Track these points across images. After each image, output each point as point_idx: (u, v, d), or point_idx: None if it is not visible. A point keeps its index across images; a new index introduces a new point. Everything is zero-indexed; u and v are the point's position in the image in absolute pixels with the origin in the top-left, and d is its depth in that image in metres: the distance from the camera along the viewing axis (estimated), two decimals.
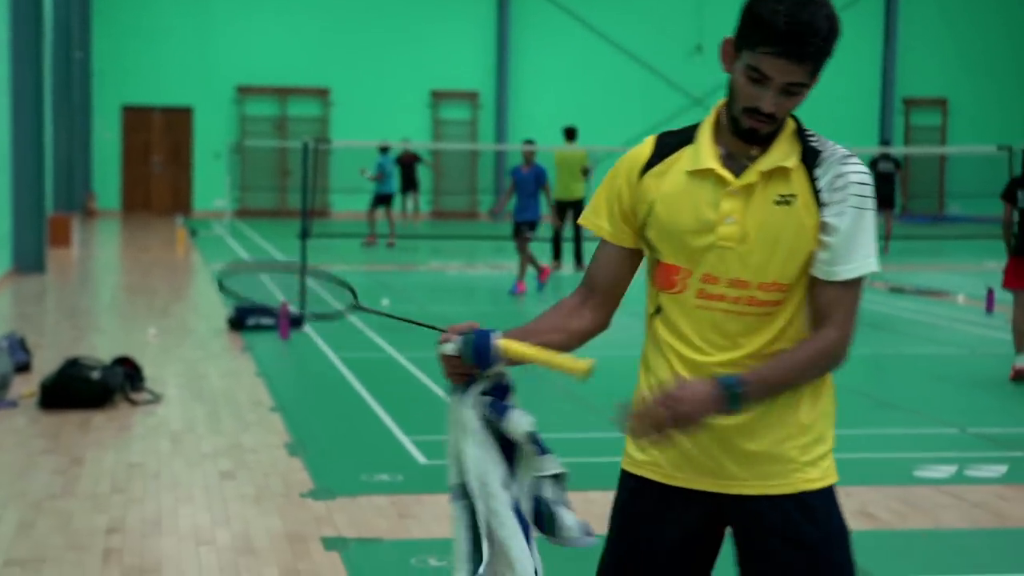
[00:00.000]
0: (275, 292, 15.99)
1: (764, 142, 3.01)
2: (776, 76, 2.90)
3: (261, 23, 33.30)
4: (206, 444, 8.46)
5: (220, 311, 14.58)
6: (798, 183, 3.00)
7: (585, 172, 20.26)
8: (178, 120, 33.76)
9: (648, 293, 3.19)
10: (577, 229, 20.08)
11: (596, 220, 3.18)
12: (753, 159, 3.01)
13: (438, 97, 34.15)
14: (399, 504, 7.08)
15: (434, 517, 6.85)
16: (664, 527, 3.12)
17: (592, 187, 28.00)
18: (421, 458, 8.17)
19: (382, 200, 24.62)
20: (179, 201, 33.89)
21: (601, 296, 3.21)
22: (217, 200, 31.95)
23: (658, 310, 3.15)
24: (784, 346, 3.02)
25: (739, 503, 3.07)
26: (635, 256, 3.20)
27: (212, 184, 32.99)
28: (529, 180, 17.21)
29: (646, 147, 3.15)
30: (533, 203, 17.17)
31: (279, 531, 6.57)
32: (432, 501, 7.14)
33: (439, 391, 10.29)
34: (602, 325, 3.26)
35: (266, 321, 13.13)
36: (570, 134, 20.73)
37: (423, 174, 30.60)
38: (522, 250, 17.14)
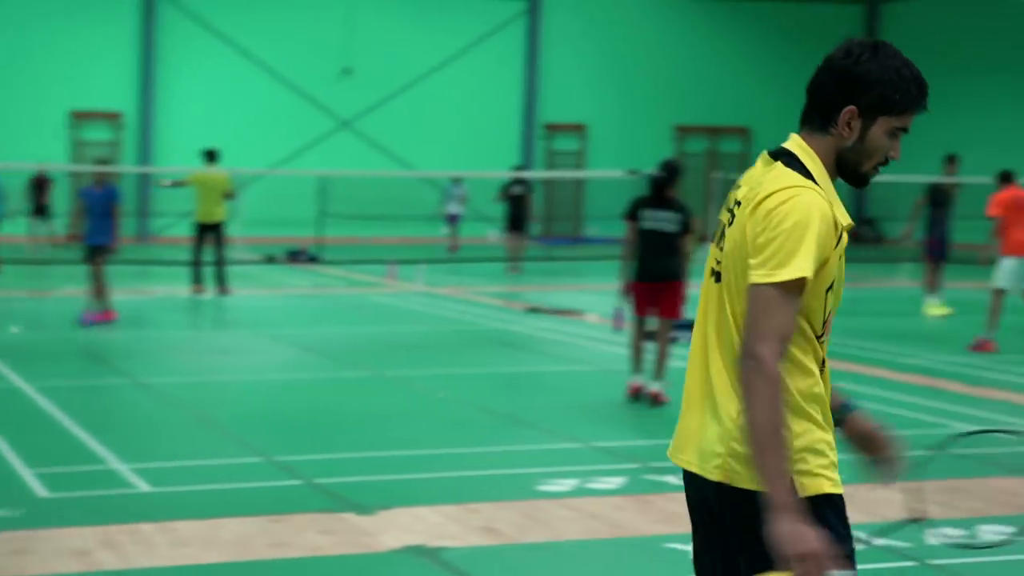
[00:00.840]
0: None
1: None
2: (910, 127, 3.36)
3: None
4: None
5: None
6: None
7: (228, 195, 19.97)
8: None
9: (797, 341, 3.28)
10: (219, 252, 19.78)
11: (807, 268, 3.20)
12: None
13: (78, 118, 33.04)
14: (16, 540, 6.82)
15: (54, 552, 6.63)
16: None
17: (238, 210, 27.64)
18: (42, 491, 7.89)
19: None
20: None
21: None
22: None
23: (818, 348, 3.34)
24: None
25: None
26: None
27: None
28: (100, 201, 16.16)
29: (824, 198, 3.27)
30: (104, 225, 16.09)
31: None
32: (52, 536, 6.90)
33: (66, 421, 9.96)
34: None
35: None
36: (211, 156, 20.40)
37: (58, 197, 29.43)
38: (96, 276, 16.00)
